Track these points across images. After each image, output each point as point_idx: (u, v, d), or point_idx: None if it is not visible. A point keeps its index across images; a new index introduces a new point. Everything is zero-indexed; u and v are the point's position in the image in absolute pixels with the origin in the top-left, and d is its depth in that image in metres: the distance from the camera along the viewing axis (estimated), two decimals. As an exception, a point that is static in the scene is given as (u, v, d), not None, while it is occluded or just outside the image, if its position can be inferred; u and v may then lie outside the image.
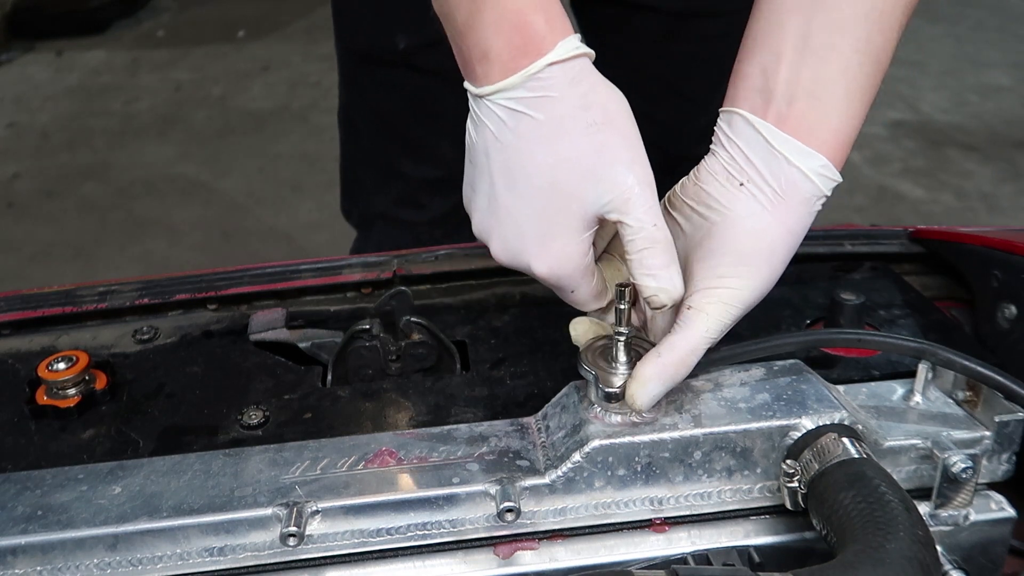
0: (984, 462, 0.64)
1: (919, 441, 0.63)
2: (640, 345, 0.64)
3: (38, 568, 0.59)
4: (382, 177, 1.50)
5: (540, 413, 0.67)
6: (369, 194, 1.53)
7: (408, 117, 1.37)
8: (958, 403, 0.66)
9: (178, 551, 0.60)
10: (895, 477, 0.58)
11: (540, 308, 0.90)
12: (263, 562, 0.61)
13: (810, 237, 1.00)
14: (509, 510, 0.59)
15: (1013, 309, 0.83)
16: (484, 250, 0.98)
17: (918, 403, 0.67)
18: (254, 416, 0.75)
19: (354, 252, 1.64)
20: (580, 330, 0.68)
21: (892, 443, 0.63)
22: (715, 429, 0.61)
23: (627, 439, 0.60)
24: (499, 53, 0.59)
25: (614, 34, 1.39)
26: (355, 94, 1.43)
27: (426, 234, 1.47)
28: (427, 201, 1.43)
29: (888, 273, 0.95)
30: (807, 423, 0.61)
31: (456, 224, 1.43)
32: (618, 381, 0.61)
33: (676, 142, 1.48)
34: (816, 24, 0.63)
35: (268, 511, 0.59)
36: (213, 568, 0.60)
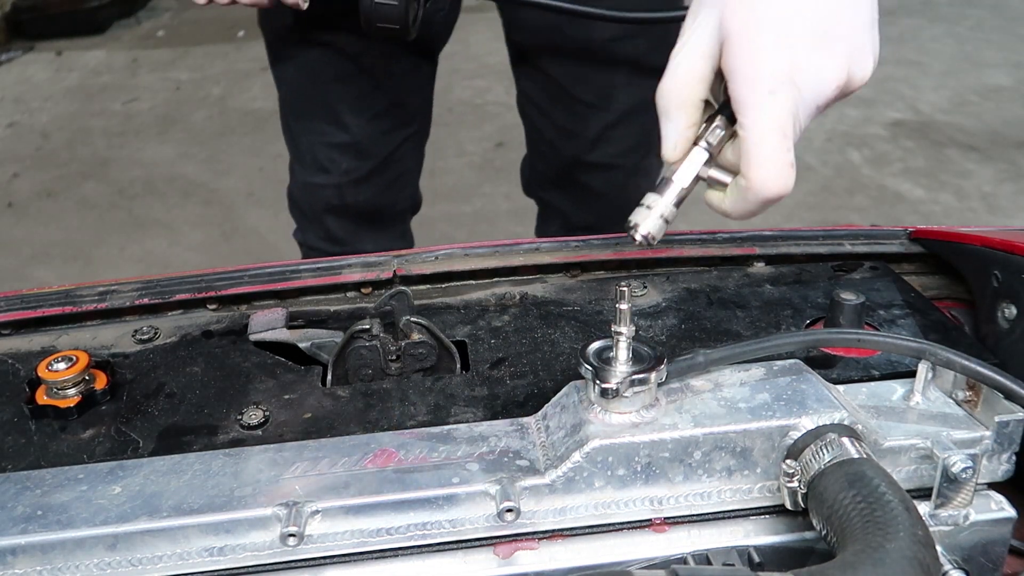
0: (984, 462, 0.64)
1: (919, 441, 0.63)
2: (640, 345, 0.64)
3: (38, 568, 0.59)
4: (296, 149, 1.57)
5: (540, 413, 0.67)
6: (293, 168, 1.60)
7: (312, 87, 1.44)
8: (958, 403, 0.66)
9: (178, 551, 0.60)
10: (895, 477, 0.57)
11: (540, 308, 0.90)
12: (263, 562, 0.61)
13: (810, 237, 1.01)
14: (509, 510, 0.59)
15: (1013, 309, 0.83)
16: (484, 250, 0.98)
17: (918, 403, 0.67)
18: (254, 416, 0.75)
19: (296, 237, 1.71)
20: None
21: (892, 443, 0.63)
22: (715, 429, 0.61)
23: (627, 439, 0.60)
24: None
25: (517, 30, 1.44)
26: (274, 71, 1.51)
27: (336, 197, 1.53)
28: (332, 166, 1.50)
29: (888, 273, 0.95)
30: (807, 423, 0.61)
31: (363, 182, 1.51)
32: (617, 380, 0.61)
33: (570, 144, 1.51)
34: None
35: (268, 511, 0.59)
36: (213, 568, 0.60)
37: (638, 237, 0.70)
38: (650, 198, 0.71)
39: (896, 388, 0.69)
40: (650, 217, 0.70)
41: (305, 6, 1.12)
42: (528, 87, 1.51)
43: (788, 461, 0.60)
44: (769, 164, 0.58)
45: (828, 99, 0.65)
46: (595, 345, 0.65)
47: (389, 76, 1.43)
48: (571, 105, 1.43)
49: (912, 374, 0.67)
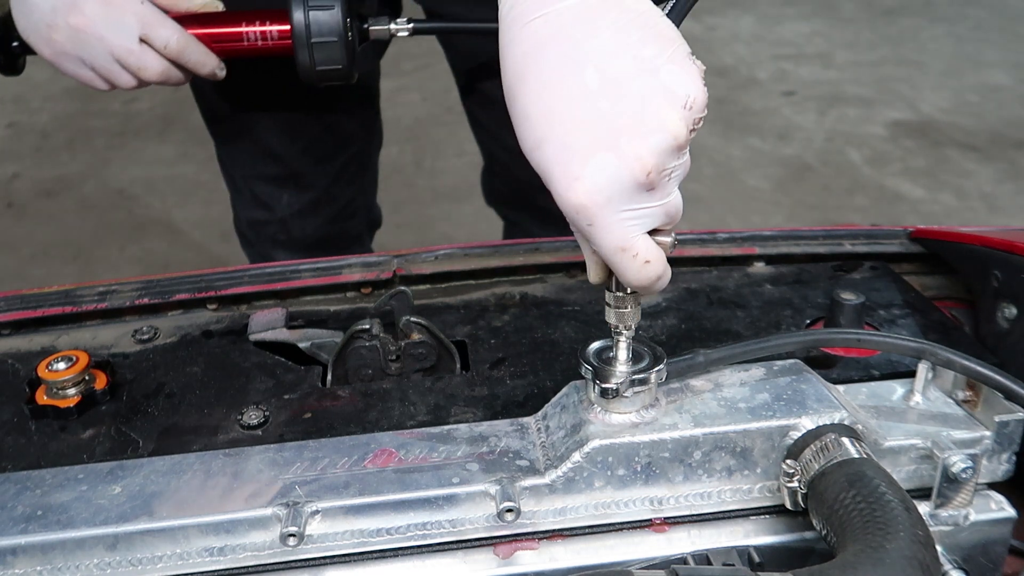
0: (984, 462, 0.64)
1: (919, 441, 0.63)
2: (641, 345, 0.64)
3: (38, 568, 0.59)
4: (231, 182, 1.48)
5: (540, 413, 0.67)
6: (235, 202, 1.50)
7: (237, 118, 1.35)
8: (958, 403, 0.66)
9: (178, 551, 0.60)
10: (895, 477, 0.58)
11: (540, 308, 0.90)
12: (263, 562, 0.61)
13: (810, 237, 1.01)
14: (509, 510, 0.59)
15: (1013, 309, 0.83)
16: (484, 250, 0.98)
17: (918, 403, 0.67)
18: (254, 416, 0.75)
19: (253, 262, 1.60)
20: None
21: (892, 443, 0.63)
22: (715, 429, 0.61)
23: (627, 439, 0.60)
24: None
25: (456, 55, 1.40)
26: (197, 101, 1.40)
27: (281, 232, 1.45)
28: (272, 200, 1.41)
29: (888, 273, 0.95)
30: (807, 423, 0.61)
31: (311, 215, 1.42)
32: (617, 380, 0.61)
33: (523, 165, 1.48)
34: None
35: (268, 511, 0.59)
36: (213, 568, 0.60)
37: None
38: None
39: (896, 388, 0.69)
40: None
41: (222, 75, 1.04)
42: (478, 113, 1.48)
43: (788, 461, 0.60)
44: (628, 274, 0.58)
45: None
46: (595, 345, 0.65)
47: (317, 101, 1.32)
48: None
49: (912, 374, 0.67)
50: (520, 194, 1.52)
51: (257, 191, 1.41)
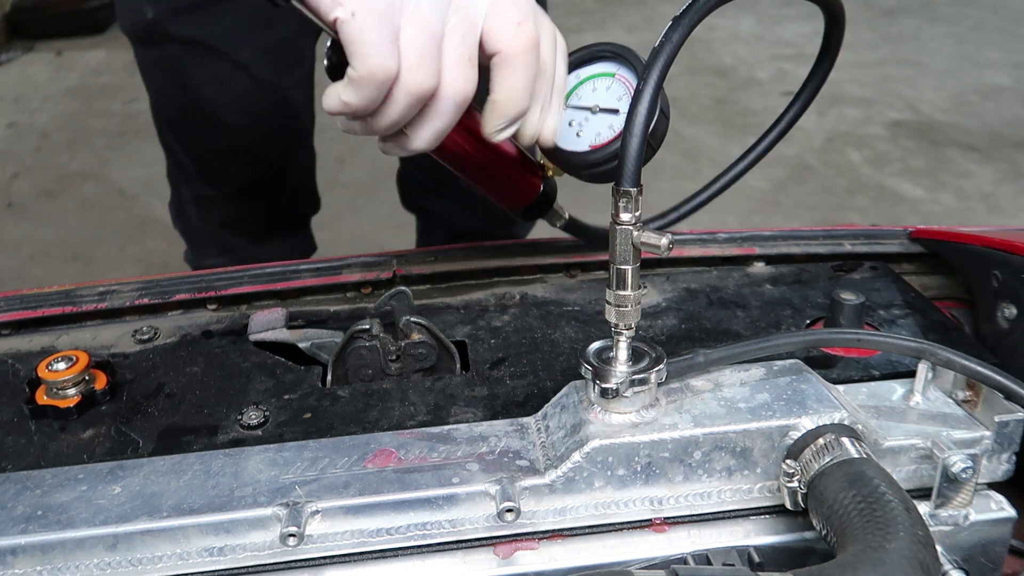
0: (984, 462, 0.64)
1: (919, 441, 0.63)
2: (641, 345, 0.64)
3: (38, 568, 0.59)
4: (173, 165, 1.47)
5: (540, 413, 0.67)
6: (176, 181, 1.49)
7: (174, 96, 1.34)
8: (958, 403, 0.66)
9: (178, 551, 0.60)
10: (895, 477, 0.57)
11: (540, 308, 0.90)
12: (263, 562, 0.61)
13: (810, 237, 1.01)
14: (509, 510, 0.59)
15: (1013, 309, 0.83)
16: (484, 250, 0.98)
17: (918, 403, 0.67)
18: (254, 416, 0.75)
19: (188, 260, 1.59)
20: None
21: (892, 443, 0.63)
22: (715, 429, 0.61)
23: (627, 439, 0.60)
24: None
25: None
26: (145, 83, 1.39)
27: (230, 209, 1.43)
28: (221, 176, 1.40)
29: (888, 273, 0.95)
30: (807, 423, 0.61)
31: (249, 195, 1.42)
32: (617, 380, 0.61)
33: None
34: None
35: (268, 511, 0.59)
36: (213, 568, 0.60)
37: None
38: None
39: (896, 388, 0.69)
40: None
41: None
42: None
43: (788, 461, 0.60)
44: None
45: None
46: (595, 345, 0.65)
47: (272, 72, 1.32)
48: None
49: (912, 374, 0.67)
50: (440, 179, 1.49)
51: (206, 166, 1.40)
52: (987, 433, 0.63)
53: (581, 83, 0.82)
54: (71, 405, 0.76)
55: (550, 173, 0.84)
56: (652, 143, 0.82)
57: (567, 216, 0.90)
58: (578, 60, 0.82)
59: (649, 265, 0.97)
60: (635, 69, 0.81)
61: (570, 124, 0.83)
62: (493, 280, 0.96)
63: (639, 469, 0.61)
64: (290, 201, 1.51)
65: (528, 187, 0.82)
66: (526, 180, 0.78)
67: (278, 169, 1.42)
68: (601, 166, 0.81)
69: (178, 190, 1.50)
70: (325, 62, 0.66)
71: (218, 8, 1.20)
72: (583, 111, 0.82)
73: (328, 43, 0.66)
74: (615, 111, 0.81)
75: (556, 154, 0.80)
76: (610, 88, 0.82)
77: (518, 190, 0.80)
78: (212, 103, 1.31)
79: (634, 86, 0.80)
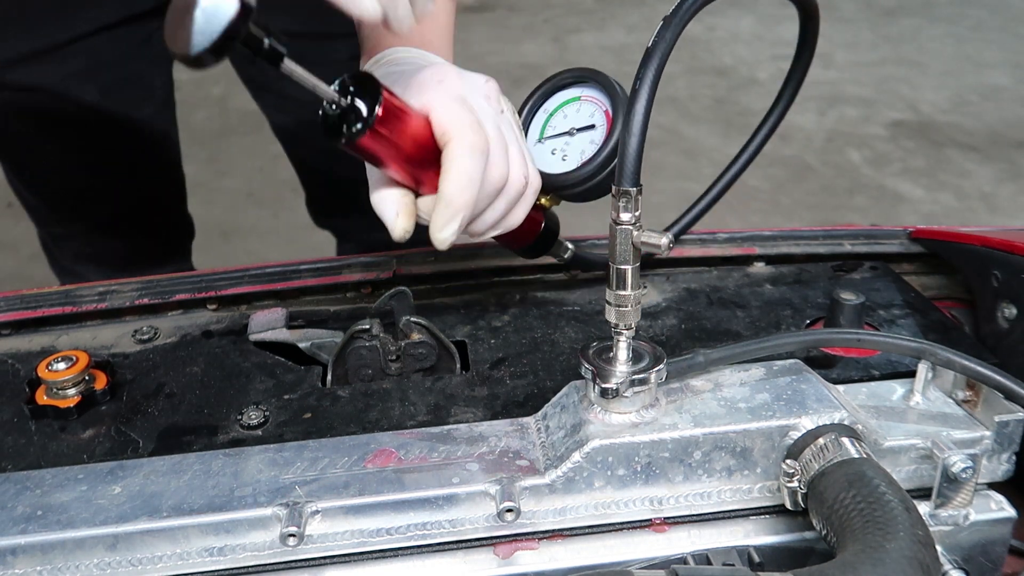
0: (984, 462, 0.64)
1: (919, 441, 0.63)
2: (641, 345, 0.64)
3: (38, 568, 0.59)
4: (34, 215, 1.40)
5: (540, 413, 0.67)
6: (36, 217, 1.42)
7: (18, 141, 1.26)
8: (958, 403, 0.66)
9: (178, 551, 0.60)
10: (895, 477, 0.58)
11: (540, 308, 0.90)
12: (263, 562, 0.61)
13: (810, 237, 1.01)
14: (509, 510, 0.59)
15: (1013, 309, 0.83)
16: (484, 250, 0.98)
17: (918, 403, 0.67)
18: (254, 416, 0.75)
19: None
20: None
21: (892, 443, 0.63)
22: (715, 429, 0.61)
23: (627, 439, 0.60)
24: None
25: (250, 65, 1.34)
26: None
27: (86, 246, 1.36)
28: (71, 213, 1.33)
29: (888, 273, 0.95)
30: (807, 423, 0.61)
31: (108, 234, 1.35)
32: (617, 380, 0.61)
33: (344, 165, 1.41)
34: None
35: (268, 511, 0.59)
36: (213, 568, 0.60)
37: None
38: None
39: (896, 388, 0.69)
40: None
41: None
42: (280, 119, 1.41)
43: (788, 461, 0.60)
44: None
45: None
46: (595, 345, 0.65)
47: (120, 111, 1.25)
48: None
49: (912, 374, 0.67)
50: (345, 197, 1.45)
51: (52, 203, 1.33)
52: (987, 433, 0.63)
53: (551, 116, 0.84)
54: (71, 405, 0.76)
55: (547, 204, 0.84)
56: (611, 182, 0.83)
57: (572, 248, 0.90)
58: (542, 96, 0.84)
59: (649, 265, 0.97)
60: (597, 83, 0.82)
61: (553, 152, 0.84)
62: (493, 280, 0.96)
63: (639, 469, 0.61)
64: (156, 233, 1.44)
65: (529, 225, 0.82)
66: (527, 218, 0.78)
67: (137, 204, 1.36)
68: (595, 177, 0.81)
69: (36, 224, 1.44)
70: (326, 115, 0.63)
71: (56, 55, 1.14)
72: (562, 137, 0.83)
73: (338, 104, 0.63)
74: (591, 127, 0.82)
75: (548, 182, 0.80)
76: (580, 110, 0.84)
77: (520, 230, 0.79)
78: (59, 147, 1.25)
79: (601, 100, 0.82)
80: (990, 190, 3.33)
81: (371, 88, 0.63)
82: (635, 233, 0.59)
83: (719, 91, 4.15)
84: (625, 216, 0.59)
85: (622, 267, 0.60)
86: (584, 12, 5.57)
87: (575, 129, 0.83)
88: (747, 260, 0.98)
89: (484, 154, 0.66)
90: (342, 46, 1.20)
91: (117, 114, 1.24)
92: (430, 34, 0.82)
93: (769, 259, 0.98)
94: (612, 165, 0.82)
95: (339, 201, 1.49)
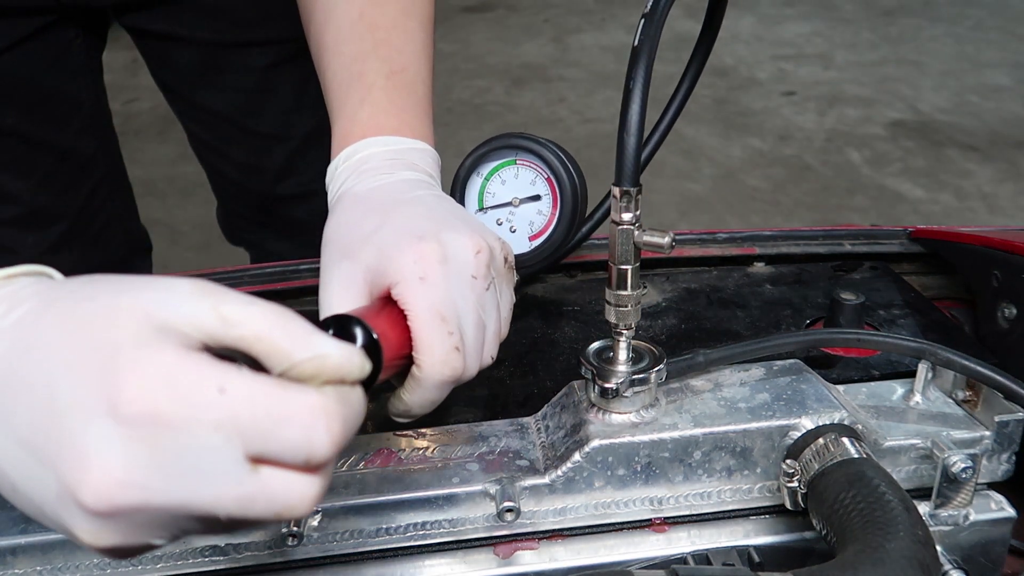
0: (984, 462, 0.64)
1: (919, 441, 0.63)
2: (641, 345, 0.64)
3: (38, 568, 0.59)
4: None
5: (540, 413, 0.67)
6: None
7: None
8: (958, 403, 0.66)
9: (178, 551, 0.60)
10: (895, 477, 0.58)
11: (540, 308, 0.90)
12: (263, 562, 0.60)
13: (810, 237, 1.01)
14: (509, 510, 0.59)
15: (1013, 309, 0.83)
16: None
17: (918, 403, 0.67)
18: (254, 416, 0.75)
19: None
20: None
21: (892, 443, 0.63)
22: (715, 429, 0.61)
23: (627, 439, 0.60)
24: None
25: (164, 70, 1.31)
26: None
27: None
28: (17, 244, 1.27)
29: (888, 273, 0.95)
30: (807, 423, 0.61)
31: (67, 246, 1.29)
32: (617, 380, 0.61)
33: (258, 179, 1.36)
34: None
35: (268, 511, 0.59)
36: (213, 568, 0.60)
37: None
38: None
39: (896, 388, 0.69)
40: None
41: None
42: (197, 130, 1.38)
43: (788, 461, 0.60)
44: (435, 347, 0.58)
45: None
46: (595, 345, 0.65)
47: (46, 130, 1.20)
48: (249, 140, 1.31)
49: (912, 374, 0.67)
50: (261, 211, 1.43)
51: None
52: (987, 433, 0.63)
53: (486, 181, 0.83)
54: (71, 405, 0.76)
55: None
56: (582, 211, 0.83)
57: None
58: (473, 163, 0.83)
59: (649, 265, 0.97)
60: (530, 149, 0.81)
61: (499, 223, 0.83)
62: (493, 280, 0.96)
63: (639, 469, 0.61)
64: (107, 247, 1.39)
65: None
66: None
67: (85, 221, 1.32)
68: (553, 255, 0.83)
69: None
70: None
71: None
72: (505, 207, 0.83)
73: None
74: (536, 197, 0.82)
75: None
76: (518, 176, 0.83)
77: None
78: None
79: (540, 167, 0.82)
80: (990, 190, 3.33)
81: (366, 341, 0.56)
82: (636, 233, 0.59)
83: (719, 91, 4.15)
84: (626, 216, 0.59)
85: (622, 267, 0.60)
86: (584, 12, 5.57)
87: (518, 199, 0.83)
88: (747, 260, 0.98)
89: (454, 382, 0.61)
90: (258, 53, 1.22)
91: (41, 134, 1.20)
92: (410, 111, 0.79)
93: (769, 259, 0.98)
94: (569, 237, 0.83)
95: (255, 215, 1.45)
